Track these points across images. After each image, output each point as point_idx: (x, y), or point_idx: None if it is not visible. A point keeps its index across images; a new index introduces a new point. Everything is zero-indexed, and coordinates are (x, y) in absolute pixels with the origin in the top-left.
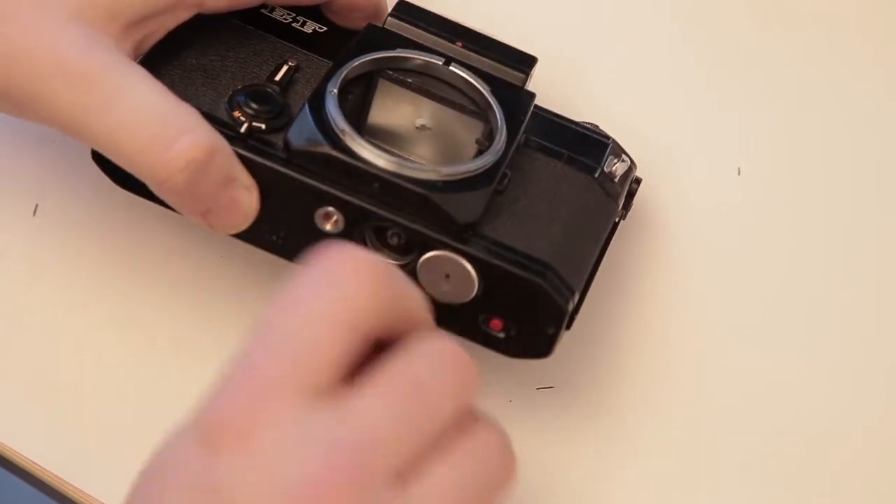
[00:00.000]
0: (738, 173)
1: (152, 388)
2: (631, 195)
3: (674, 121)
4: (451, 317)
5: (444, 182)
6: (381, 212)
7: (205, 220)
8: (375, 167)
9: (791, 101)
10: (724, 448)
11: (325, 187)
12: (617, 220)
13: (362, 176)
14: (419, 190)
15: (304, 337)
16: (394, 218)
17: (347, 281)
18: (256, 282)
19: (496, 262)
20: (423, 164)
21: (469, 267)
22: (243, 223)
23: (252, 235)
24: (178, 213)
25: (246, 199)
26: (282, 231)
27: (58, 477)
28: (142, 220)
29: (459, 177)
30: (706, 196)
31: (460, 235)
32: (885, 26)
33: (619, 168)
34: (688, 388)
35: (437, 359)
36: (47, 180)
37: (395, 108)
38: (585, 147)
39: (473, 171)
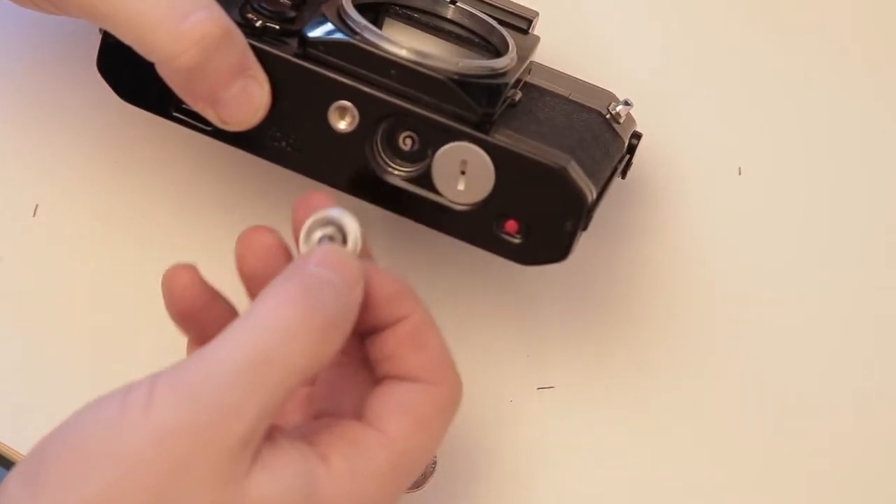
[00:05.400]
0: (739, 173)
1: None
2: (632, 150)
3: (673, 120)
4: (463, 225)
5: (463, 73)
6: (397, 101)
7: (215, 112)
8: (393, 55)
9: (792, 101)
10: (727, 451)
11: (340, 77)
12: (619, 165)
13: (380, 64)
14: (437, 75)
15: None
16: (410, 107)
17: None
18: None
19: (514, 149)
20: (441, 55)
21: (486, 156)
22: (254, 117)
23: (261, 143)
24: (187, 126)
25: (258, 92)
26: (292, 136)
27: None
28: (143, 220)
29: (477, 70)
30: (706, 196)
31: (478, 124)
32: (885, 27)
33: (622, 111)
34: (689, 389)
35: None
36: (47, 180)
37: None
38: (589, 93)
39: (490, 67)
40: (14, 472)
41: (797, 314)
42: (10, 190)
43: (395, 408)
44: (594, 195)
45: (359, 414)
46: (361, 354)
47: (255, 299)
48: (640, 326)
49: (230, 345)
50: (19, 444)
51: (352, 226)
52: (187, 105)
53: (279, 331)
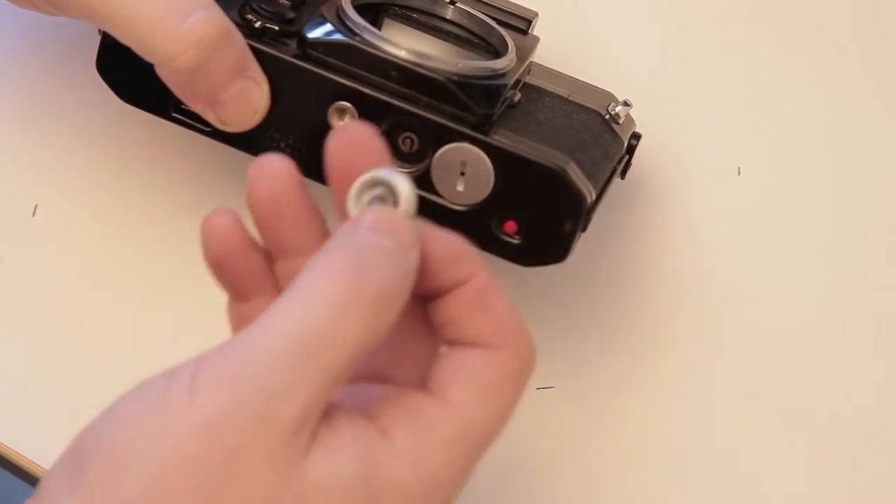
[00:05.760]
0: (739, 173)
1: None
2: (631, 150)
3: (673, 120)
4: (462, 226)
5: (462, 74)
6: (397, 102)
7: (214, 113)
8: (393, 56)
9: (791, 101)
10: (727, 451)
11: (340, 78)
12: (618, 166)
13: (380, 65)
14: (437, 77)
15: None
16: (410, 108)
17: None
18: None
19: (514, 150)
20: (441, 56)
21: (486, 158)
22: (252, 118)
23: (260, 144)
24: (186, 125)
25: (257, 93)
26: (291, 136)
27: None
28: (142, 220)
29: (477, 71)
30: (706, 196)
31: (477, 126)
32: (885, 27)
33: (622, 111)
34: (690, 389)
35: None
36: (46, 180)
37: None
38: (589, 94)
39: (490, 67)
40: (55, 466)
41: (797, 314)
42: (10, 190)
43: (460, 375)
44: (593, 196)
45: (422, 383)
46: (424, 318)
47: (303, 269)
48: (640, 327)
49: (277, 322)
50: (19, 445)
51: (404, 186)
52: (186, 106)
53: (329, 304)
